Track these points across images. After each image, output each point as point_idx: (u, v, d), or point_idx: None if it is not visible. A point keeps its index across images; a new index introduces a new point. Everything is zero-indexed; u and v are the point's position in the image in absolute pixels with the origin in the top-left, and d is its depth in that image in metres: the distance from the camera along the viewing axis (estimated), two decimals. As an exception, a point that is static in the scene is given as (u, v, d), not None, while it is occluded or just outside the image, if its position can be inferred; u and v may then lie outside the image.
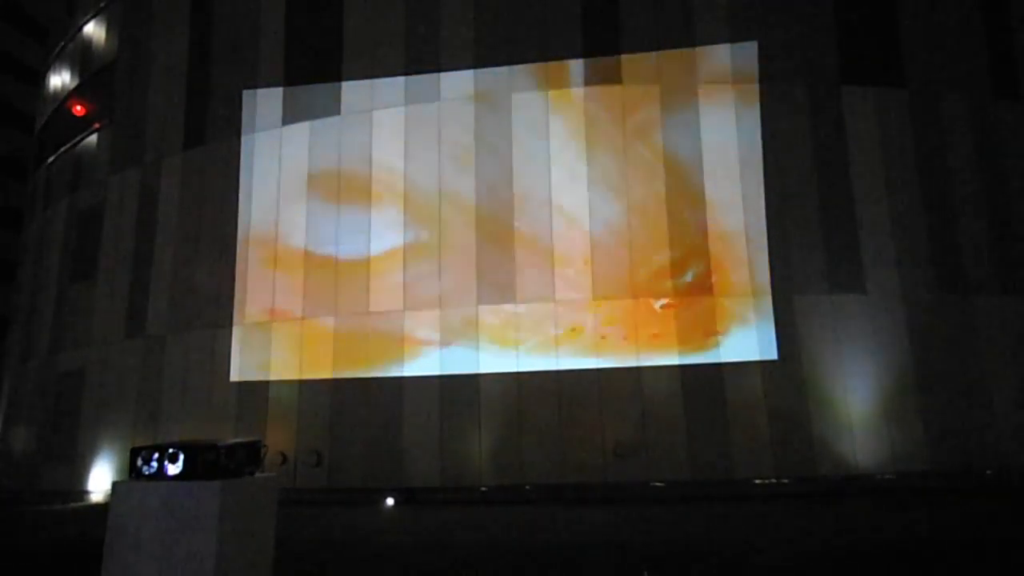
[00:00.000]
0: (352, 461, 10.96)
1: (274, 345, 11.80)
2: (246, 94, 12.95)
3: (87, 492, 13.03)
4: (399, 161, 11.62)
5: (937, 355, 10.50)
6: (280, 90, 12.67)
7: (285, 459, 11.05)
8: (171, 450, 4.35)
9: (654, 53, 11.20)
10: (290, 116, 12.48)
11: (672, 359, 10.32)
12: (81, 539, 7.99)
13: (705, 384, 10.26)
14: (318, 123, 12.22)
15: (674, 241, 10.67)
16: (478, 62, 11.61)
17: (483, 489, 10.34)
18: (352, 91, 12.11)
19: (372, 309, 11.29)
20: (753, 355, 10.31)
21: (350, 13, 12.47)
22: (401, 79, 11.85)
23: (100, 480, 12.94)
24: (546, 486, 10.16)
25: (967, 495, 9.43)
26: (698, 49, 11.21)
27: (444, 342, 10.87)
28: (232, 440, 4.61)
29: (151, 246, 13.63)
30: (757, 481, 9.97)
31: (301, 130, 12.34)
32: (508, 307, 10.77)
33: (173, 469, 4.32)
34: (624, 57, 11.23)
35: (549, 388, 10.46)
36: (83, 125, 16.12)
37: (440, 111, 11.61)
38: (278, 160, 12.46)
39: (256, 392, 11.75)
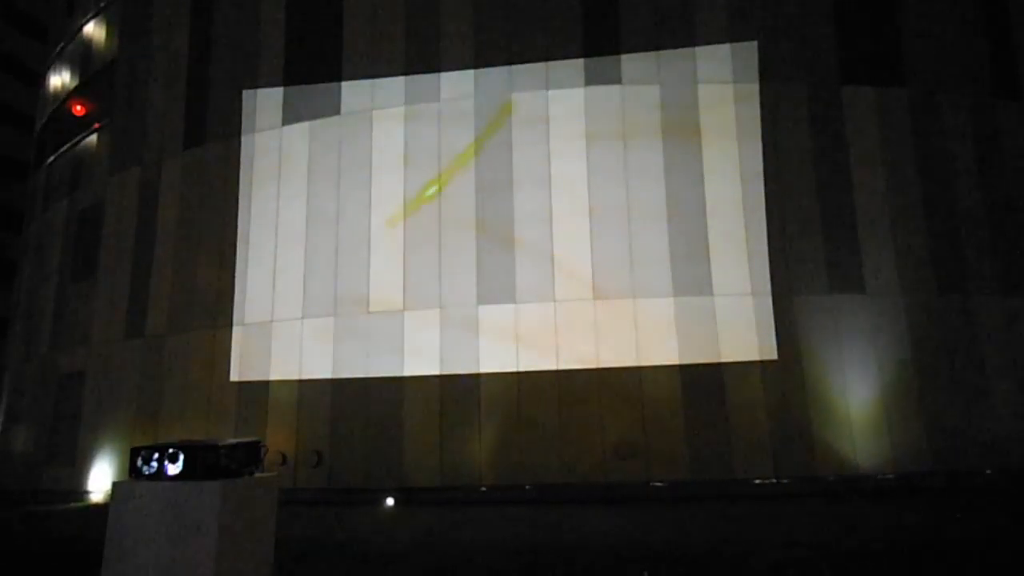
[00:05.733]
0: (352, 461, 10.96)
1: (274, 345, 11.80)
2: (246, 94, 12.96)
3: (87, 492, 13.03)
4: (399, 161, 11.62)
5: (937, 355, 10.50)
6: (280, 90, 12.67)
7: (285, 459, 11.05)
8: (171, 450, 4.35)
9: (654, 53, 11.21)
10: (290, 116, 12.49)
11: (672, 359, 10.33)
12: (81, 539, 7.99)
13: (705, 384, 10.27)
14: (318, 123, 12.23)
15: (674, 240, 10.67)
16: (478, 62, 11.62)
17: (483, 489, 10.34)
18: (352, 91, 12.11)
19: (372, 309, 11.30)
20: (753, 355, 10.31)
21: (350, 13, 12.47)
22: (401, 79, 11.86)
23: (100, 480, 12.94)
24: (546, 486, 10.17)
25: (967, 495, 9.42)
26: (698, 49, 11.21)
27: (443, 342, 10.87)
28: (232, 440, 4.61)
29: (151, 246, 13.63)
30: (757, 481, 9.98)
31: (301, 130, 12.34)
32: (508, 307, 10.78)
33: (173, 469, 4.32)
34: (624, 57, 11.24)
35: (549, 388, 10.46)
36: (83, 125, 16.11)
37: (440, 111, 11.61)
38: (278, 160, 12.46)
39: (256, 392, 11.75)
